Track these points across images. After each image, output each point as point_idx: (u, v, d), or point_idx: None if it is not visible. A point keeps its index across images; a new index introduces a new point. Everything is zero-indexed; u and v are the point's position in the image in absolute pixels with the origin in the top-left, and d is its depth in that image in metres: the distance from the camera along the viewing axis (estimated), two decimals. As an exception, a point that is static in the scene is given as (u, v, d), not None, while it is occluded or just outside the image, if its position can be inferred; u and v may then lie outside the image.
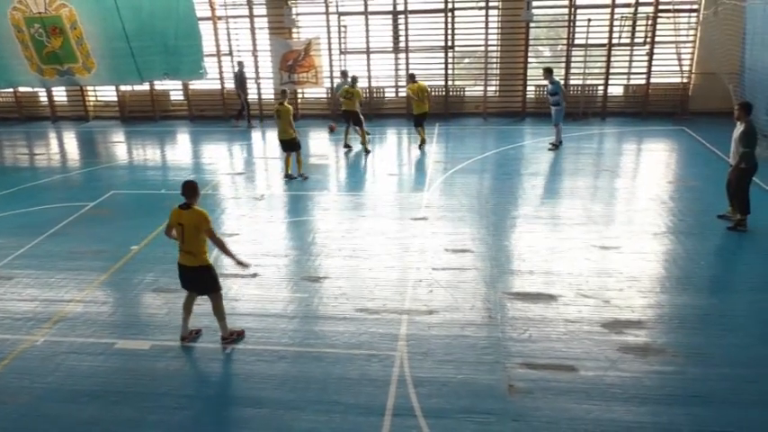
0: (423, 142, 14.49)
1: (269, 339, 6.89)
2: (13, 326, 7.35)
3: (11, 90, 18.48)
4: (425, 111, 14.42)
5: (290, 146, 12.36)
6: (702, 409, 5.59)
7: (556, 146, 13.93)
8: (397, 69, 17.52)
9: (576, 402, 5.71)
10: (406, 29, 16.99)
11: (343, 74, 15.69)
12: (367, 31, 17.02)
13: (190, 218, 6.39)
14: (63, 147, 16.72)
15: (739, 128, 8.97)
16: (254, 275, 8.31)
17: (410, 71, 15.59)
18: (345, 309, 7.44)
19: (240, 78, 16.94)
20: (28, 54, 16.15)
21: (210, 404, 5.93)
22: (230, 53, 17.78)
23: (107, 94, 19.11)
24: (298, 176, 12.47)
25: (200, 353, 6.74)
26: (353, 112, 14.34)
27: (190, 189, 6.46)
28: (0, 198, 11.94)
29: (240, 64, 17.03)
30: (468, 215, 10.25)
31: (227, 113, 18.17)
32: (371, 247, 9.14)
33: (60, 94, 19.08)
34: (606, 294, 7.55)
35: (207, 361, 6.61)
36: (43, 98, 19.15)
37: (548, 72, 13.80)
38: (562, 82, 16.74)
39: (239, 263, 6.66)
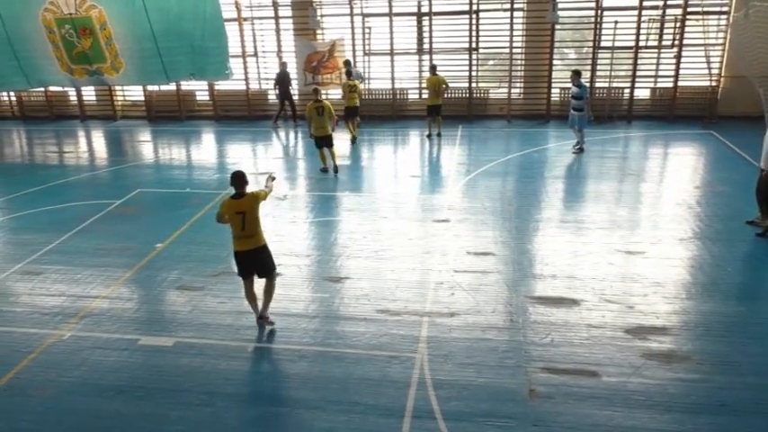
0: (430, 135, 15.36)
1: (290, 338, 6.94)
2: (41, 320, 7.50)
3: (42, 89, 18.86)
4: (437, 104, 15.08)
5: (328, 141, 12.66)
6: (728, 418, 5.49)
7: (582, 149, 13.75)
8: (420, 71, 17.52)
9: (597, 408, 5.65)
10: (431, 30, 16.97)
11: (347, 63, 16.30)
12: (391, 32, 17.02)
13: (248, 204, 6.75)
14: (91, 145, 17.03)
15: (771, 132, 8.80)
16: (276, 275, 8.36)
17: (431, 64, 15.76)
18: (366, 309, 7.46)
19: (283, 79, 16.85)
20: (58, 54, 16.46)
21: (231, 401, 5.99)
22: (255, 54, 17.94)
23: (134, 93, 19.39)
24: (335, 172, 12.71)
25: (221, 350, 6.80)
26: (356, 107, 15.34)
27: (240, 179, 6.80)
28: (30, 195, 12.20)
29: (284, 64, 16.98)
30: (490, 218, 10.20)
31: (251, 113, 18.33)
32: (393, 248, 9.15)
33: (89, 93, 19.42)
34: (630, 300, 7.46)
35: (228, 359, 6.67)
36: (73, 97, 19.50)
37: (576, 75, 13.59)
38: (588, 84, 16.61)
39: (270, 179, 7.45)
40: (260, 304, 7.12)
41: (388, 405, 5.81)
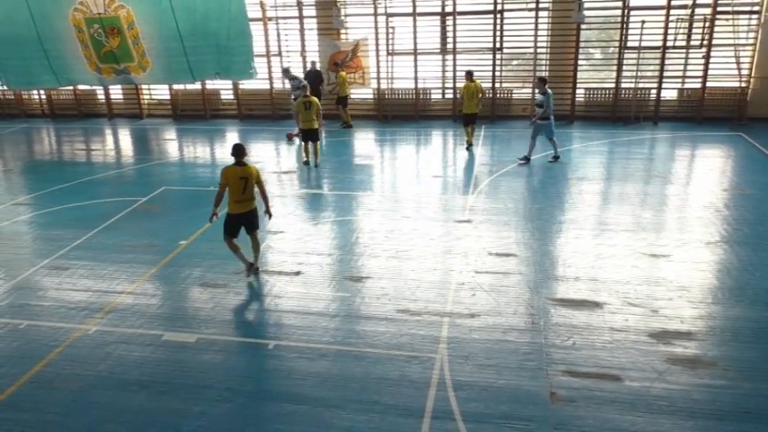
0: (470, 144, 14.42)
1: (310, 337, 6.97)
2: (68, 315, 7.64)
3: (70, 88, 19.22)
4: (474, 112, 14.22)
5: (314, 135, 13.30)
6: (754, 426, 5.38)
7: (557, 157, 13.20)
8: (444, 71, 17.46)
9: (619, 413, 5.58)
10: (454, 30, 16.91)
11: (337, 65, 16.99)
12: (415, 32, 17.01)
13: (251, 171, 7.92)
14: (118, 143, 17.30)
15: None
16: (298, 273, 8.43)
17: (466, 70, 14.68)
18: (387, 309, 7.46)
19: (314, 78, 16.48)
20: (87, 53, 16.75)
21: (252, 398, 6.04)
22: (279, 53, 18.07)
23: (161, 92, 19.67)
24: (315, 166, 13.40)
25: (243, 347, 6.87)
26: (347, 96, 16.85)
27: (242, 149, 7.92)
28: (58, 191, 12.43)
29: (313, 63, 16.93)
30: (513, 219, 10.14)
31: (275, 113, 18.46)
32: (414, 248, 9.14)
33: (117, 92, 19.74)
34: (654, 303, 7.36)
35: (250, 356, 6.73)
36: (101, 96, 19.85)
37: (541, 82, 12.92)
38: (612, 85, 16.41)
39: (269, 211, 8.33)
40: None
41: (407, 405, 5.80)
